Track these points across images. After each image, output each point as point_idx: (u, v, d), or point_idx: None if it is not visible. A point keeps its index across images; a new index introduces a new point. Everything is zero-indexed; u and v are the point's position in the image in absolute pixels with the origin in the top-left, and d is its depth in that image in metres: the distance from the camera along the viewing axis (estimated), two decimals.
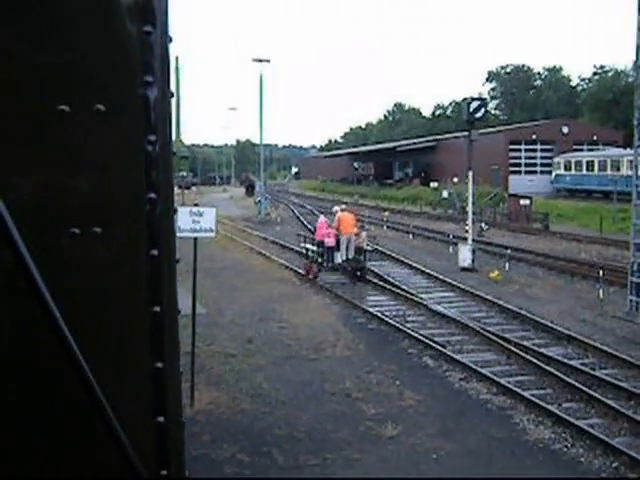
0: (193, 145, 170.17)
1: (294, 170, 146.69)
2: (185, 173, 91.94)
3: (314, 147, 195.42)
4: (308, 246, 22.54)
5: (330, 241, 20.96)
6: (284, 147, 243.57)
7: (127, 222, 1.64)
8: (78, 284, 1.57)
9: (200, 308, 15.88)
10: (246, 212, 51.32)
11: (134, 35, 1.62)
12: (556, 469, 8.82)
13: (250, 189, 68.65)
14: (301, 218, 46.05)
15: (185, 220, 10.69)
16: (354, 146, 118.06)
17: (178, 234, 10.62)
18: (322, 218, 22.33)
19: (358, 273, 21.30)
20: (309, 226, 39.73)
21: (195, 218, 10.78)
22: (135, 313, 1.65)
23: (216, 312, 16.73)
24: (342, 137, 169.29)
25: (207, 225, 10.84)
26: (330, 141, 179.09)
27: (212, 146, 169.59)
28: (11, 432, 1.49)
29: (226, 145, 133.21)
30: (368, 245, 22.30)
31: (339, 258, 21.14)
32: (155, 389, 1.68)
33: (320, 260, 21.44)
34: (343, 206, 24.14)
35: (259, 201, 48.53)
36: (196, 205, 11.53)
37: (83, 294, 1.57)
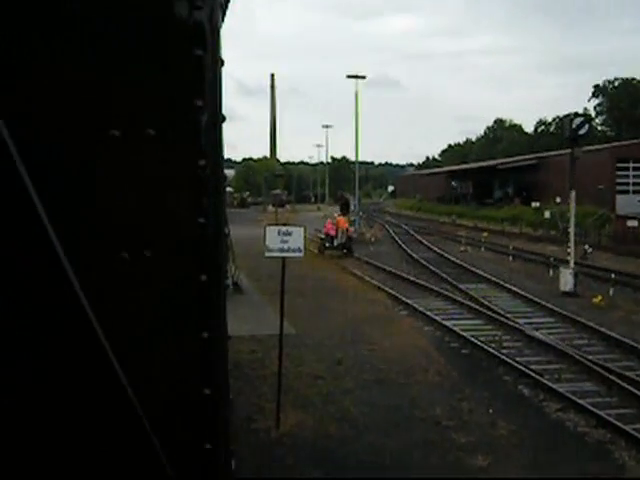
0: (288, 163, 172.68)
1: (390, 188, 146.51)
2: (279, 191, 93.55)
3: (411, 165, 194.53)
4: (322, 236, 37.76)
5: (332, 232, 36.18)
6: (380, 165, 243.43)
7: (177, 247, 1.66)
8: (126, 309, 1.59)
9: (289, 328, 15.98)
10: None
11: (185, 58, 1.62)
12: None
13: (344, 208, 68.92)
14: (396, 238, 45.82)
15: (273, 240, 10.80)
16: (452, 164, 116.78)
17: (266, 254, 10.76)
18: (329, 220, 37.67)
19: (345, 250, 35.60)
20: (404, 246, 39.52)
21: (283, 238, 10.88)
22: (183, 339, 1.66)
23: (305, 332, 16.78)
24: (440, 155, 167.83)
25: (295, 245, 10.91)
26: (427, 159, 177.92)
27: (307, 164, 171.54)
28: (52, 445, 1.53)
29: (321, 163, 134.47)
30: (354, 235, 38.96)
31: (336, 242, 36.06)
32: (203, 415, 1.68)
33: (326, 244, 36.38)
34: (337, 213, 41.01)
35: (354, 220, 48.62)
36: (285, 225, 11.65)
37: (131, 319, 1.59)
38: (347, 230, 36.76)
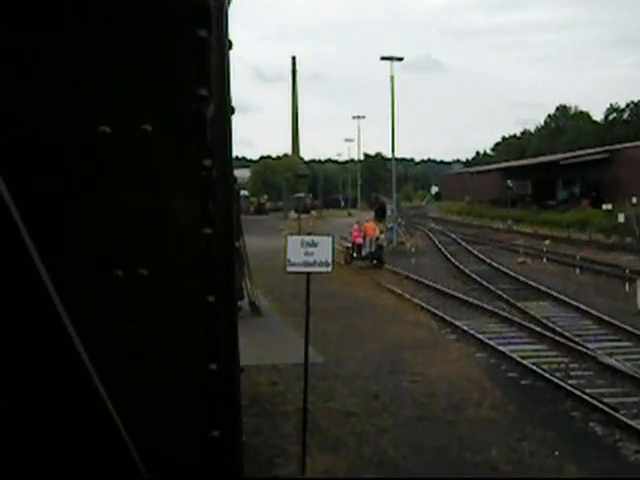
0: (313, 161, 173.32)
1: (434, 190, 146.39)
2: (303, 194, 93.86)
3: (458, 162, 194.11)
4: (348, 245, 38.55)
5: (359, 240, 36.84)
6: (422, 162, 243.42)
7: (178, 263, 1.65)
8: (120, 337, 1.59)
9: (316, 357, 15.98)
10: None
11: (186, 41, 1.61)
12: None
13: (380, 213, 68.90)
14: (442, 248, 45.69)
15: (296, 252, 10.79)
16: (507, 160, 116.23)
17: (288, 268, 10.76)
18: (356, 226, 38.19)
19: (374, 261, 36.49)
20: (451, 258, 39.41)
21: (308, 250, 10.87)
22: (186, 372, 1.65)
23: (335, 361, 16.76)
24: (492, 149, 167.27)
25: (322, 258, 10.88)
26: (478, 154, 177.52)
27: (336, 162, 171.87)
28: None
29: (352, 161, 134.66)
30: (384, 243, 39.49)
31: (364, 251, 36.76)
32: (211, 464, 1.66)
33: (353, 253, 37.09)
34: (368, 218, 43.85)
35: (391, 227, 48.60)
36: (310, 234, 11.66)
37: (124, 349, 1.58)
38: (377, 238, 37.55)
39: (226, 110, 1.72)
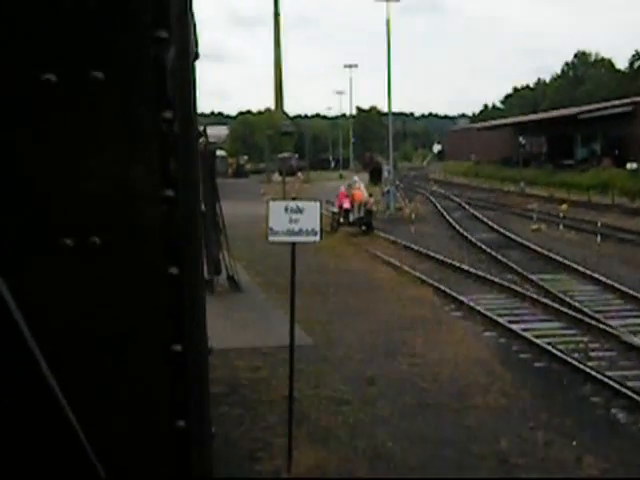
0: (299, 117, 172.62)
1: (436, 148, 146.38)
2: (288, 154, 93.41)
3: (463, 116, 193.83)
4: (334, 210, 39.11)
5: (347, 205, 37.81)
6: (422, 117, 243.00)
7: (136, 230, 1.63)
8: (69, 315, 1.57)
9: (303, 338, 16.05)
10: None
11: None
12: None
13: (376, 175, 68.92)
14: (445, 214, 45.76)
15: (279, 219, 10.77)
16: (519, 114, 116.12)
17: (270, 238, 10.76)
18: (342, 188, 39.66)
19: (363, 227, 37.53)
20: (456, 225, 39.50)
21: (293, 216, 10.85)
22: (146, 354, 1.63)
23: (326, 343, 16.82)
24: (502, 102, 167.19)
25: (309, 226, 10.87)
26: (486, 107, 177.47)
27: (324, 117, 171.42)
28: None
29: (343, 116, 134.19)
30: (374, 207, 40.23)
31: (352, 217, 37.77)
32: (177, 453, 1.66)
33: (340, 219, 37.95)
34: (356, 178, 43.58)
35: (387, 191, 48.63)
36: (294, 199, 11.63)
37: (76, 329, 1.57)
38: (366, 202, 38.44)
39: (189, 55, 1.69)
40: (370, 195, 40.59)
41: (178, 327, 1.69)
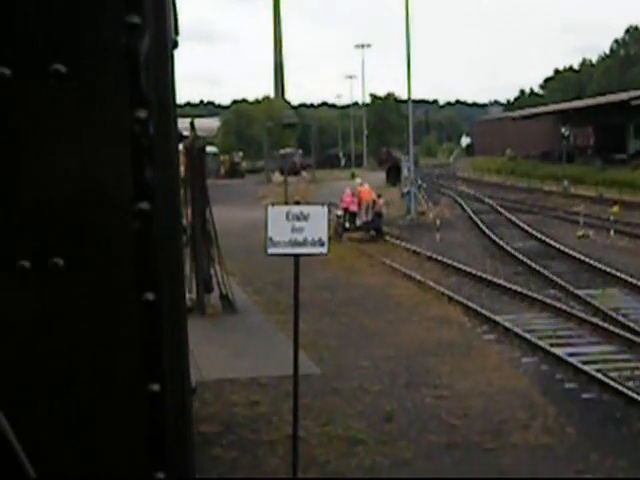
0: (303, 106, 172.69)
1: (464, 142, 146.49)
2: (290, 150, 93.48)
3: (496, 104, 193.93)
4: (338, 213, 39.19)
5: (353, 207, 39.24)
6: (448, 105, 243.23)
7: (105, 249, 1.64)
8: (27, 348, 1.57)
9: (310, 366, 16.03)
10: (388, 210, 51.47)
11: None
12: None
13: (393, 174, 68.99)
14: (476, 219, 45.72)
15: (280, 228, 10.76)
16: (561, 100, 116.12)
17: (270, 250, 10.76)
18: (348, 190, 40.95)
19: (372, 232, 39.00)
20: (488, 232, 39.47)
21: (296, 224, 10.84)
22: (120, 394, 1.63)
23: (336, 372, 16.81)
24: (542, 87, 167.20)
25: (315, 235, 10.86)
26: (522, 93, 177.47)
27: (333, 106, 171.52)
28: None
29: (355, 105, 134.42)
30: (383, 209, 41.28)
31: (359, 221, 39.22)
32: None
33: (345, 223, 38.96)
34: (359, 180, 46.05)
35: (408, 192, 48.63)
36: (298, 203, 11.64)
37: (36, 364, 1.57)
38: (374, 203, 39.89)
39: (166, 43, 1.69)
40: (379, 195, 41.73)
41: (155, 363, 1.69)
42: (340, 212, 39.48)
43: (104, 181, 1.67)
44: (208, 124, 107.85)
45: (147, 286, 1.69)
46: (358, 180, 45.42)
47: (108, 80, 1.67)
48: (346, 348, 18.68)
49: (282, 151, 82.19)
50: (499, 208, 52.35)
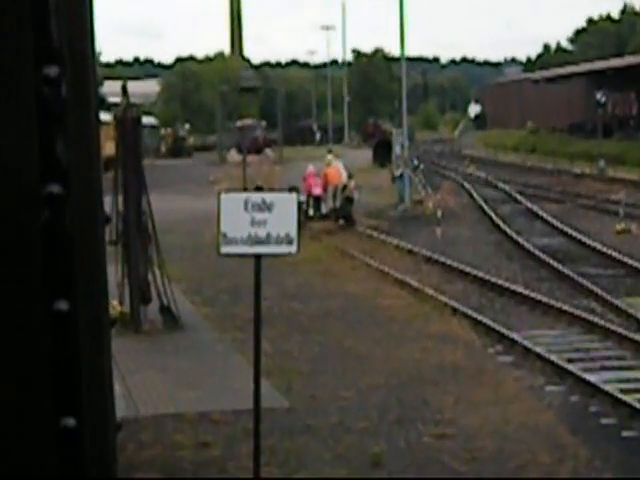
0: (267, 65, 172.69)
1: (473, 110, 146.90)
2: (251, 121, 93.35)
3: (514, 62, 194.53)
4: (300, 199, 37.59)
5: (317, 190, 41.19)
6: (452, 64, 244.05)
7: (6, 244, 1.62)
8: None
9: (275, 397, 16.03)
10: (375, 198, 51.53)
11: None
12: None
13: (382, 151, 69.01)
14: (487, 208, 45.80)
15: (237, 221, 10.80)
16: (597, 58, 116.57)
17: (223, 249, 10.79)
18: (311, 168, 42.91)
19: (342, 222, 40.08)
20: (503, 225, 39.54)
21: (257, 216, 10.89)
22: (27, 430, 1.62)
23: (309, 405, 16.82)
24: (572, 40, 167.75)
25: (282, 229, 10.91)
26: (546, 49, 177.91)
27: (306, 65, 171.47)
28: None
29: (334, 63, 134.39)
30: (355, 194, 42.91)
31: (324, 207, 40.84)
32: None
33: (309, 210, 40.80)
34: (330, 157, 45.86)
35: (400, 176, 48.69)
36: (259, 189, 11.65)
37: None
38: (344, 186, 41.81)
39: None
40: (350, 176, 43.00)
41: (70, 392, 1.69)
42: (302, 197, 39.59)
43: (3, 158, 1.66)
44: (145, 88, 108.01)
45: (59, 292, 1.68)
46: (329, 157, 45.70)
47: (5, 27, 1.67)
48: (322, 374, 18.66)
49: (240, 123, 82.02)
50: (517, 196, 52.51)
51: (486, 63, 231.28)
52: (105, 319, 1.86)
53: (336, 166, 42.54)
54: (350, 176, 42.60)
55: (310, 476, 12.68)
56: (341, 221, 39.48)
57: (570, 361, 19.33)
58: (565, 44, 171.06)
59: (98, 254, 1.84)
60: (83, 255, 1.71)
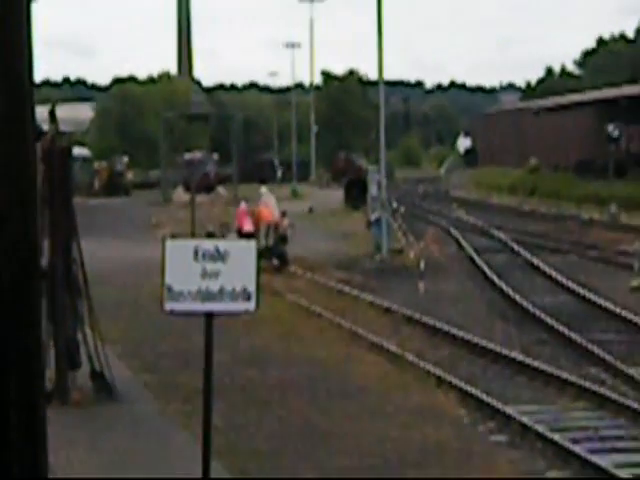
0: (220, 88, 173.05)
1: (463, 145, 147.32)
2: (201, 154, 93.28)
3: (511, 88, 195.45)
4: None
5: (248, 227, 42.26)
6: (439, 90, 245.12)
7: None
8: None
9: None
10: (346, 247, 51.62)
11: None
12: None
13: (355, 191, 69.15)
14: (478, 260, 45.91)
15: (185, 272, 10.82)
16: (607, 84, 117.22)
17: (168, 305, 10.78)
18: (243, 205, 45.99)
19: (275, 262, 42.11)
20: (497, 280, 39.58)
21: (209, 267, 10.91)
22: None
23: None
24: (579, 64, 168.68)
25: (237, 283, 10.93)
26: (549, 73, 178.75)
27: (266, 89, 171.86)
28: None
29: (300, 87, 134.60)
30: (288, 231, 45.16)
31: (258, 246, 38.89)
32: None
33: None
34: (264, 189, 49.74)
35: (377, 220, 48.76)
36: (211, 235, 11.68)
37: None
38: (275, 224, 44.53)
39: None
40: (283, 214, 45.80)
41: None
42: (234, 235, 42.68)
43: None
44: (77, 113, 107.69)
45: None
46: (263, 189, 49.45)
47: None
48: (282, 455, 18.59)
49: (188, 156, 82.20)
50: (514, 245, 52.60)
51: (478, 89, 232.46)
52: (37, 388, 1.89)
53: (267, 202, 45.19)
54: (284, 214, 45.14)
55: None
56: (275, 261, 41.72)
57: (576, 442, 19.33)
58: (571, 67, 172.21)
59: (35, 308, 1.86)
60: (14, 310, 1.72)
